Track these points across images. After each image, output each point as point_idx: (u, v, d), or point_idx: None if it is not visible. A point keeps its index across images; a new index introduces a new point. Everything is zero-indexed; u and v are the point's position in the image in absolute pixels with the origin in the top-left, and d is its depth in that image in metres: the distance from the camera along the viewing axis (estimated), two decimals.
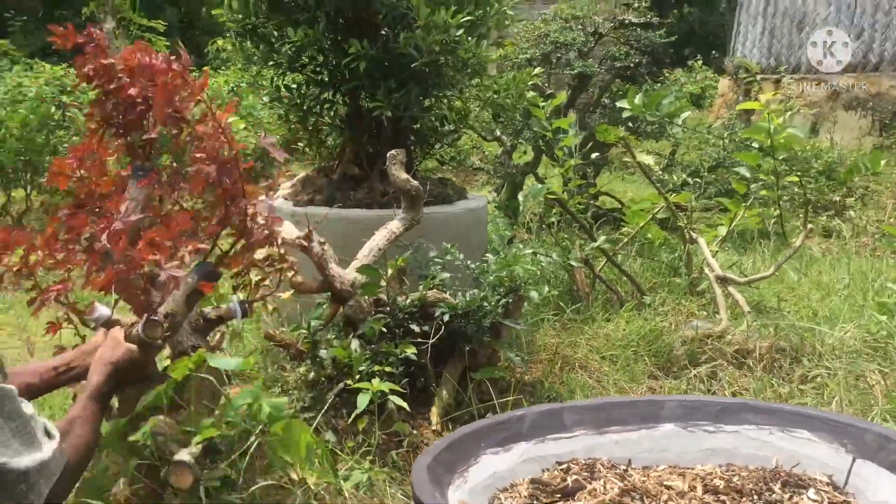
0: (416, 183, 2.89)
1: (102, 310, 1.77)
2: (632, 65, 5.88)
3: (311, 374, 2.63)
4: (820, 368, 2.84)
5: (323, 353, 2.60)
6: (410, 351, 2.54)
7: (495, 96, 3.93)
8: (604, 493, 1.32)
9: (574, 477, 1.38)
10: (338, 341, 2.63)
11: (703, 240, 3.38)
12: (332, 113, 3.74)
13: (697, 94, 13.37)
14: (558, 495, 1.36)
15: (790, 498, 1.31)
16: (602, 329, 3.22)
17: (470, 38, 3.22)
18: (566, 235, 3.81)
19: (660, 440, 1.53)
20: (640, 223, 3.66)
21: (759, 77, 9.63)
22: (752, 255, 4.40)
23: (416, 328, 2.65)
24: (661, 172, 6.33)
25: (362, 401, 2.29)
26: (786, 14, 10.39)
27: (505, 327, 2.77)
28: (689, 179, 6.01)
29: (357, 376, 2.46)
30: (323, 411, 2.47)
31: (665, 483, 1.37)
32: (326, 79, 3.55)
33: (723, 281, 3.24)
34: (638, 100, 3.09)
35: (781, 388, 2.77)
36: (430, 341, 2.60)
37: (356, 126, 3.62)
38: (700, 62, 14.10)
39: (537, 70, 4.28)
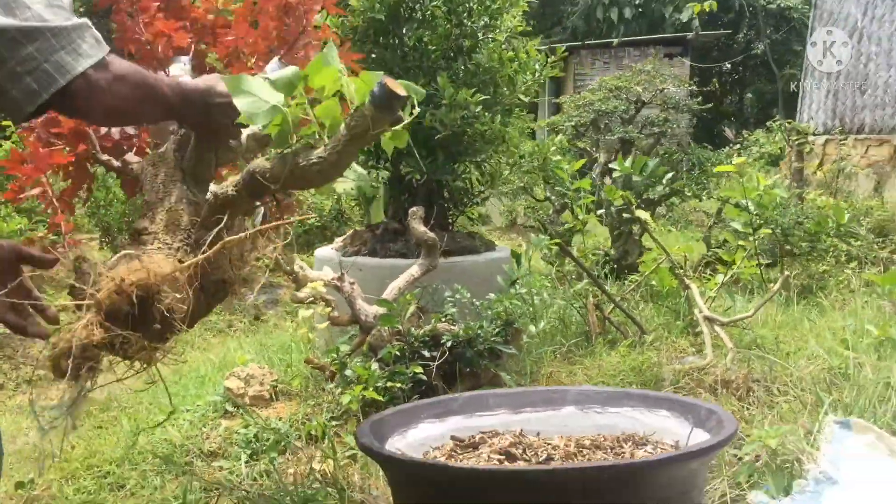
0: (432, 234, 3.47)
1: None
2: (668, 130, 6.36)
3: (339, 390, 3.20)
4: (787, 396, 3.22)
5: (349, 372, 3.17)
6: (418, 370, 3.07)
7: (521, 160, 4.48)
8: (499, 445, 1.83)
9: (481, 435, 1.89)
10: (361, 363, 3.20)
11: (694, 285, 3.80)
12: (377, 178, 4.37)
13: (776, 154, 13.67)
14: (469, 448, 1.87)
15: (632, 451, 1.78)
16: (600, 361, 3.67)
17: (487, 114, 3.81)
18: (578, 280, 4.28)
19: (562, 418, 2.02)
20: (647, 271, 4.12)
21: (811, 138, 9.86)
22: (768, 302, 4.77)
23: (426, 353, 3.18)
24: (707, 230, 6.72)
25: (344, 399, 2.86)
26: (848, 77, 10.63)
27: (503, 353, 3.27)
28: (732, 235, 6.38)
29: (372, 389, 3.01)
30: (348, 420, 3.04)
31: (547, 441, 1.86)
32: (371, 149, 4.20)
33: (709, 321, 3.65)
34: (627, 163, 3.59)
35: (748, 410, 3.16)
36: (436, 363, 3.12)
37: (396, 188, 4.24)
38: (778, 123, 14.40)
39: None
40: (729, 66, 22.45)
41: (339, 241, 4.51)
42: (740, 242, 3.76)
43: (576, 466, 1.68)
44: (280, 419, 3.23)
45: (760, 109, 22.43)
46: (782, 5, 17.78)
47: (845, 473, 2.19)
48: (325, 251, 4.43)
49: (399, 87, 1.49)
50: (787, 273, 3.86)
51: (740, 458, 2.45)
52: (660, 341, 3.83)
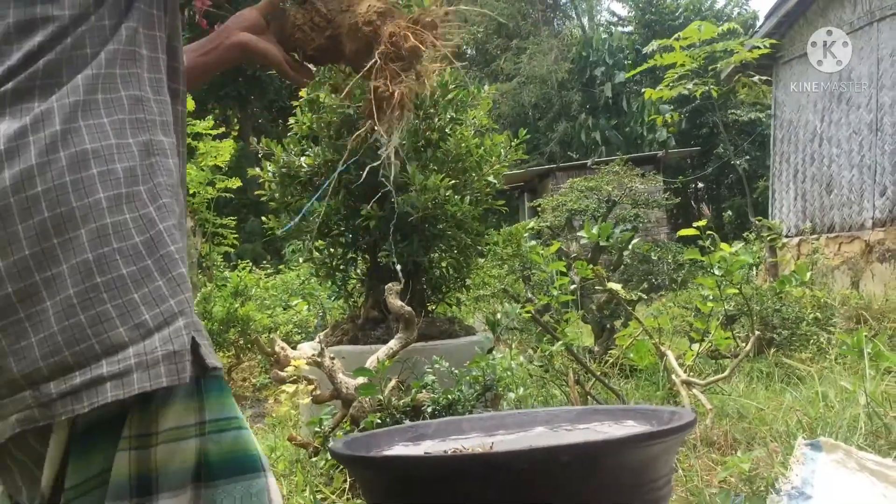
0: (408, 308, 3.56)
1: None
2: (640, 225, 6.57)
3: (323, 463, 3.20)
4: (774, 444, 3.25)
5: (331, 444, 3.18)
6: None
7: (496, 247, 4.64)
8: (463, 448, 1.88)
9: (453, 449, 1.94)
10: (343, 435, 3.22)
11: (670, 353, 3.88)
12: (355, 269, 4.51)
13: (756, 263, 13.99)
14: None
15: None
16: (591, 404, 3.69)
17: (456, 196, 3.99)
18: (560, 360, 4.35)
19: (532, 437, 2.07)
20: (624, 345, 4.20)
21: (784, 239, 10.13)
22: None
23: (408, 422, 3.21)
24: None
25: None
26: (814, 179, 11.05)
27: None
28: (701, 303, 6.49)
29: None
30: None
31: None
32: (350, 240, 4.35)
33: (687, 384, 3.71)
34: (595, 230, 3.75)
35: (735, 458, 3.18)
36: None
37: (374, 277, 4.36)
38: (754, 235, 14.80)
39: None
40: (702, 184, 23.20)
41: (321, 334, 4.58)
42: (710, 304, 3.86)
43: (542, 446, 1.74)
44: None
45: (738, 224, 23.03)
46: (752, 118, 18.57)
47: (818, 489, 2.23)
48: (307, 345, 4.50)
49: None
50: (757, 333, 3.94)
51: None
52: (646, 405, 3.86)
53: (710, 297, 3.93)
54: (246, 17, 1.34)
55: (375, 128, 1.36)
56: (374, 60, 1.29)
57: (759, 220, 8.86)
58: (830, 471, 2.29)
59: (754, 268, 12.09)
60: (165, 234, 0.95)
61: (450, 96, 4.18)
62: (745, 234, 14.50)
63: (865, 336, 6.91)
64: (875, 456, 2.32)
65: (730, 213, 24.57)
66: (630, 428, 2.03)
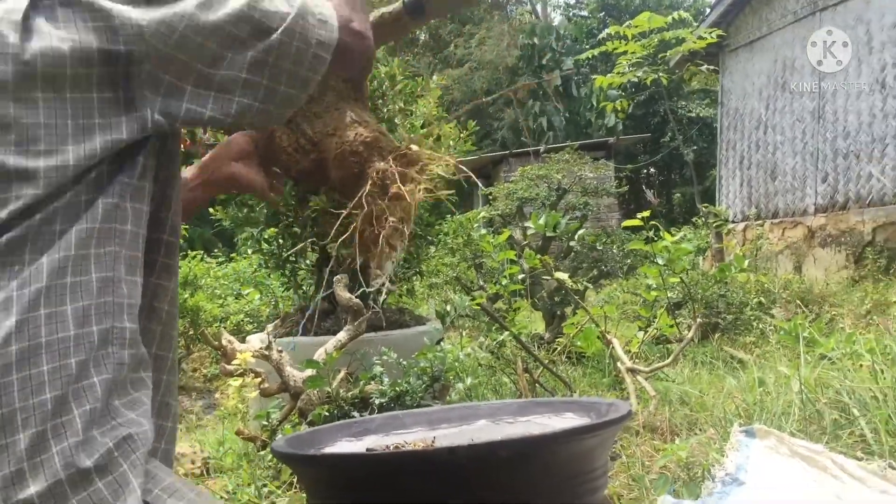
0: (357, 300, 3.57)
1: None
2: (589, 213, 6.66)
3: (271, 457, 3.21)
4: (708, 433, 3.34)
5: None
6: None
7: (446, 238, 4.66)
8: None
9: (395, 445, 1.96)
10: (292, 429, 3.22)
11: (616, 341, 3.95)
12: (305, 260, 4.49)
13: (704, 247, 14.28)
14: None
15: None
16: (533, 398, 3.75)
17: None
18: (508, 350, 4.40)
19: (474, 430, 2.10)
20: (572, 333, 4.26)
21: (731, 225, 10.33)
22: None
23: (356, 414, 3.23)
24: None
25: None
26: (759, 166, 11.28)
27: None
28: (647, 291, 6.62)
29: None
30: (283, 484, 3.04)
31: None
32: (299, 231, 4.33)
33: (632, 371, 3.79)
34: (542, 220, 3.81)
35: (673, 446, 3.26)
36: None
37: (324, 269, 4.36)
38: (702, 220, 15.09)
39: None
40: (654, 169, 23.51)
41: (270, 326, 4.57)
42: (654, 293, 3.94)
43: (482, 442, 1.77)
44: (213, 493, 3.21)
45: (687, 210, 23.41)
46: (701, 115, 18.87)
47: (751, 475, 2.30)
48: (256, 337, 4.48)
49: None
50: (699, 319, 4.04)
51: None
52: (587, 395, 3.94)
53: (654, 286, 4.01)
54: (236, 143, 1.32)
55: (371, 267, 1.38)
56: (361, 205, 1.30)
57: (706, 207, 9.03)
58: (763, 457, 2.36)
59: (701, 253, 12.36)
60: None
61: (399, 87, 4.18)
62: (693, 220, 14.85)
63: (805, 321, 7.12)
64: (806, 442, 2.40)
65: (679, 197, 24.98)
66: (569, 420, 2.07)
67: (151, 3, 0.93)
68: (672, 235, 4.05)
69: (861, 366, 3.03)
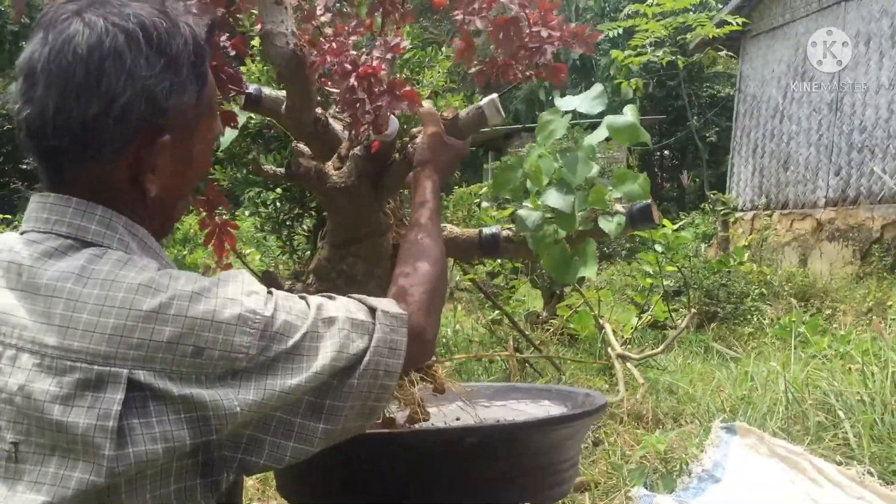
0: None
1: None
2: None
3: None
4: (693, 425, 3.32)
5: None
6: None
7: (446, 211, 4.62)
8: None
9: None
10: None
11: (608, 326, 3.93)
12: (302, 225, 4.46)
13: (711, 233, 14.21)
14: None
15: None
16: (509, 382, 3.74)
17: None
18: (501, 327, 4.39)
19: (449, 412, 2.09)
20: (565, 315, 4.24)
21: (739, 213, 10.25)
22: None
23: None
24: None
25: None
26: (773, 155, 11.16)
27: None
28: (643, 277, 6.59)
29: None
30: None
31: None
32: (297, 195, 4.30)
33: (622, 358, 3.77)
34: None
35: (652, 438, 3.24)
36: None
37: (320, 234, 4.33)
38: (710, 207, 14.99)
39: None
40: (668, 152, 23.33)
41: None
42: (649, 280, 3.90)
43: (449, 428, 1.76)
44: None
45: (698, 195, 23.27)
46: (728, 93, 18.60)
47: (728, 472, 2.28)
48: None
49: (657, 212, 1.59)
50: (694, 310, 4.00)
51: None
52: (574, 379, 3.92)
53: (651, 273, 3.97)
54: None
55: None
56: None
57: (714, 194, 8.94)
58: (742, 455, 2.34)
59: (706, 241, 12.30)
60: None
61: (406, 56, 4.11)
62: (701, 206, 14.76)
63: (801, 317, 7.08)
64: (787, 443, 2.38)
65: (692, 182, 24.83)
66: (544, 408, 2.05)
67: (241, 376, 0.91)
68: (680, 220, 4.02)
69: (850, 369, 2.99)
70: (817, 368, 3.21)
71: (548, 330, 4.50)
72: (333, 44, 1.41)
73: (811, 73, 10.39)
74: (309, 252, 4.43)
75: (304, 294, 1.03)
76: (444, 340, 3.41)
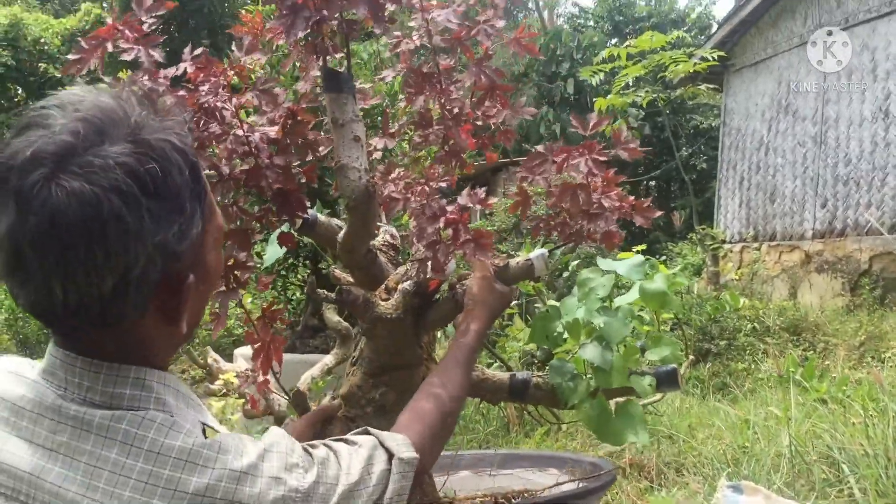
0: (346, 324, 3.51)
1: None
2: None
3: None
4: (696, 476, 3.30)
5: None
6: None
7: None
8: None
9: None
10: None
11: None
12: (296, 276, 4.45)
13: (700, 264, 14.24)
14: None
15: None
16: (516, 448, 3.71)
17: None
18: None
19: (457, 481, 2.06)
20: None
21: (727, 245, 10.30)
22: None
23: None
24: None
25: None
26: (759, 188, 11.25)
27: None
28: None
29: None
30: None
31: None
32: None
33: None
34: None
35: (658, 491, 3.22)
36: None
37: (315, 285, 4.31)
38: (700, 237, 15.03)
39: None
40: (653, 182, 23.46)
41: None
42: (646, 328, 3.89)
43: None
44: None
45: (688, 223, 23.35)
46: (712, 125, 18.74)
47: None
48: (245, 349, 4.44)
49: (682, 379, 1.70)
50: (691, 357, 4.00)
51: None
52: (575, 428, 3.90)
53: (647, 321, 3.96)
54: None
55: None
56: None
57: (703, 229, 8.98)
58: None
59: (697, 273, 12.33)
60: None
61: (403, 106, 4.14)
62: (689, 236, 14.82)
63: (798, 349, 7.08)
64: (794, 502, 2.36)
65: (684, 211, 24.94)
66: (552, 477, 2.03)
67: None
68: (669, 250, 3.98)
69: (853, 423, 2.98)
70: (819, 419, 3.20)
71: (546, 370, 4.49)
72: (425, 186, 1.50)
73: (794, 106, 10.52)
74: (304, 304, 4.41)
75: (331, 445, 1.04)
76: None
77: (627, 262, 1.78)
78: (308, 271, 4.34)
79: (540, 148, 1.61)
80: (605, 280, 1.74)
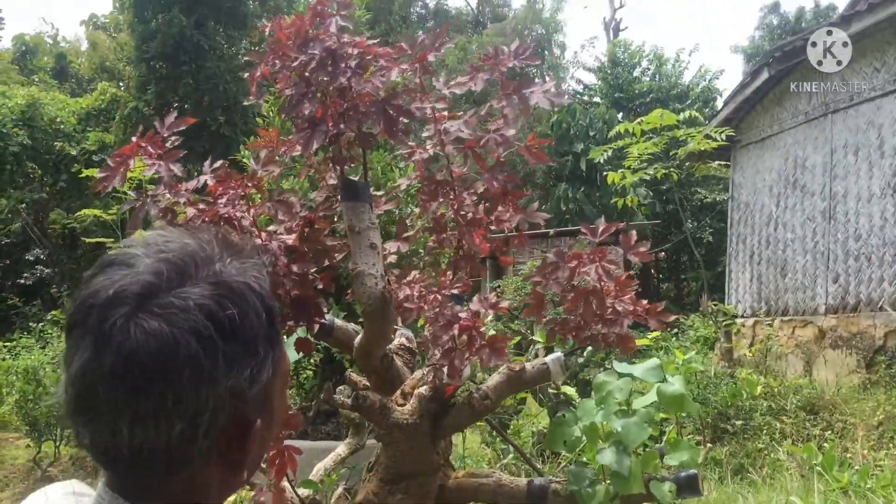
0: (356, 413, 3.50)
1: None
2: None
3: None
4: None
5: None
6: None
7: None
8: None
9: None
10: None
11: None
12: (309, 360, 4.44)
13: (712, 338, 14.12)
14: None
15: None
16: None
17: None
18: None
19: None
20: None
21: (740, 320, 10.24)
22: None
23: None
24: None
25: None
26: (770, 262, 11.25)
27: None
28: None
29: None
30: None
31: None
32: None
33: None
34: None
35: None
36: None
37: (328, 369, 4.31)
38: (711, 310, 14.94)
39: None
40: (663, 253, 23.51)
41: None
42: (662, 416, 3.85)
43: None
44: None
45: (699, 295, 23.25)
46: (717, 199, 18.88)
47: None
48: None
49: (702, 484, 1.68)
50: (708, 445, 3.95)
51: None
52: None
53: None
54: None
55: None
56: None
57: (715, 305, 8.95)
58: None
59: (709, 347, 12.23)
60: None
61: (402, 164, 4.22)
62: (700, 309, 14.74)
63: (817, 431, 6.96)
64: None
65: (695, 283, 24.87)
66: None
67: None
68: (680, 324, 3.95)
69: None
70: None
71: (558, 454, 4.42)
72: (437, 294, 1.55)
73: (802, 181, 10.60)
74: (316, 389, 4.40)
75: None
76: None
77: (643, 366, 1.79)
78: (321, 356, 4.34)
79: (551, 256, 1.64)
80: (622, 383, 1.75)
